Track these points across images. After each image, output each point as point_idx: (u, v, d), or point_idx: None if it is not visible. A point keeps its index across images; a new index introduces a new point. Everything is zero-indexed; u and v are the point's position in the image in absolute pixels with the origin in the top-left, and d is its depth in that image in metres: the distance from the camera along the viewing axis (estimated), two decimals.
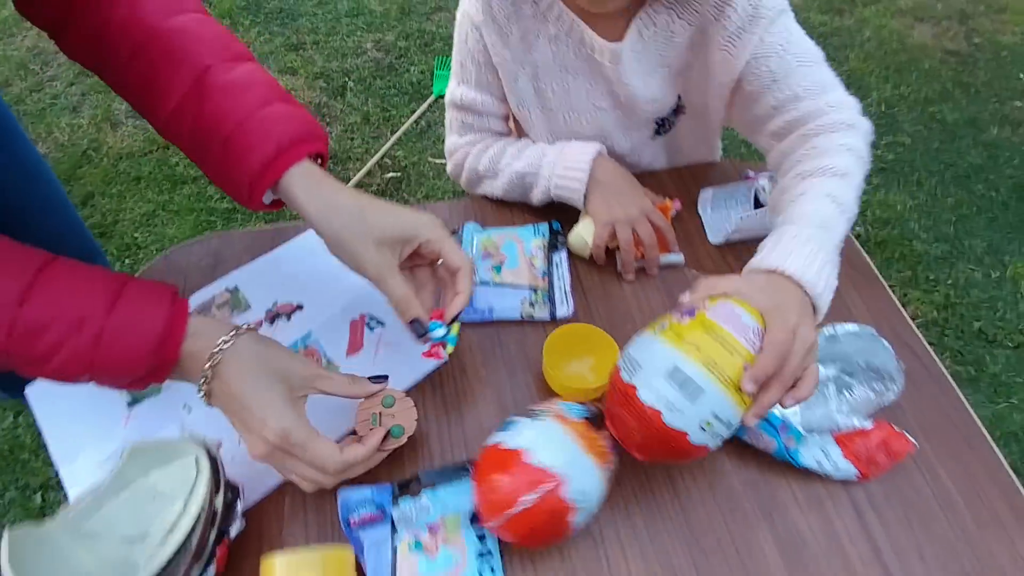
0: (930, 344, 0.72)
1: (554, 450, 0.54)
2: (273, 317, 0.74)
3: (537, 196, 0.82)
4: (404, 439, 0.61)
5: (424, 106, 2.22)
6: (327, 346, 0.72)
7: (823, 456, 0.61)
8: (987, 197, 2.05)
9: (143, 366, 0.53)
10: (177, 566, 0.51)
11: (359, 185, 2.01)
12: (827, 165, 0.66)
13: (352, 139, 2.15)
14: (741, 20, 0.71)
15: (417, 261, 0.63)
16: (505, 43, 0.78)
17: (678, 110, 0.85)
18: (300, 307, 0.74)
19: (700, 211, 0.84)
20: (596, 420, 0.57)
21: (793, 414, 0.61)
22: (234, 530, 0.56)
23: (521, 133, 0.90)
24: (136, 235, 1.91)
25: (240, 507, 0.58)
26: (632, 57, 0.76)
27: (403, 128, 2.15)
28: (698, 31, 0.75)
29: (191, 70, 0.58)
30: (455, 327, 0.64)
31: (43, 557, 0.51)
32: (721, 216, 0.82)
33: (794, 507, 0.61)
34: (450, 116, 0.89)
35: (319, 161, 0.62)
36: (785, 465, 0.63)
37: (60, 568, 0.52)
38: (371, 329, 0.73)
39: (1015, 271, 1.88)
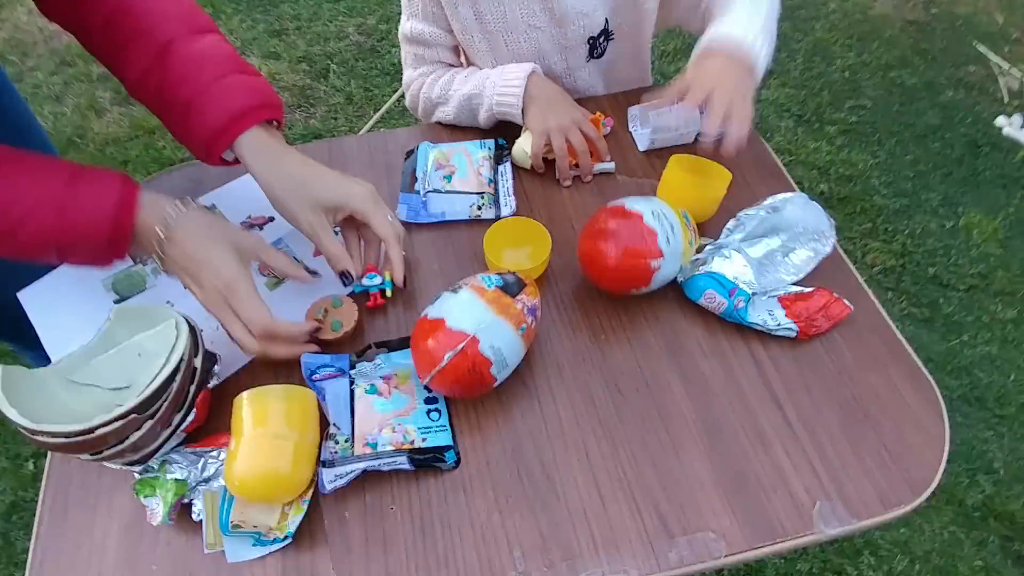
0: (888, 289, 0.82)
1: (467, 315, 0.62)
2: (248, 227, 0.82)
3: (483, 116, 0.90)
4: (340, 333, 0.70)
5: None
6: (296, 248, 0.80)
7: (768, 315, 0.70)
8: (943, 155, 2.15)
9: (103, 236, 0.60)
10: (159, 407, 0.60)
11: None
12: None
13: (336, 119, 2.24)
14: None
15: (354, 222, 0.72)
16: None
17: (608, 34, 0.94)
18: (271, 219, 0.83)
19: (630, 127, 0.93)
20: (512, 287, 0.65)
21: (747, 282, 0.70)
22: (212, 383, 0.65)
23: (471, 64, 0.99)
24: None
25: (218, 370, 0.66)
26: None
27: (385, 107, 2.24)
28: None
29: (156, 42, 0.66)
30: (386, 274, 0.74)
31: (35, 395, 0.58)
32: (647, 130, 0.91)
33: (699, 354, 0.70)
34: (404, 51, 0.98)
35: (277, 125, 0.70)
36: (692, 319, 0.72)
37: (50, 404, 0.59)
38: (336, 233, 0.81)
39: (967, 221, 1.97)
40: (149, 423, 0.58)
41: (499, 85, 0.87)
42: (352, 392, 0.66)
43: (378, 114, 2.21)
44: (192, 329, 0.64)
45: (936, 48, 2.48)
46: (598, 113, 0.89)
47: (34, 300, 0.76)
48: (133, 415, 0.57)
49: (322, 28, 2.54)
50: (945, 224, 1.98)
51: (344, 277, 0.70)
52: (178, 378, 0.61)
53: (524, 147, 0.86)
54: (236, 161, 0.69)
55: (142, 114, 2.21)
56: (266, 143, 0.66)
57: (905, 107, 2.28)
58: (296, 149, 0.70)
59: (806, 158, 2.12)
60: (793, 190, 0.83)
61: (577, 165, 0.85)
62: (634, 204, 0.69)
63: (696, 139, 0.89)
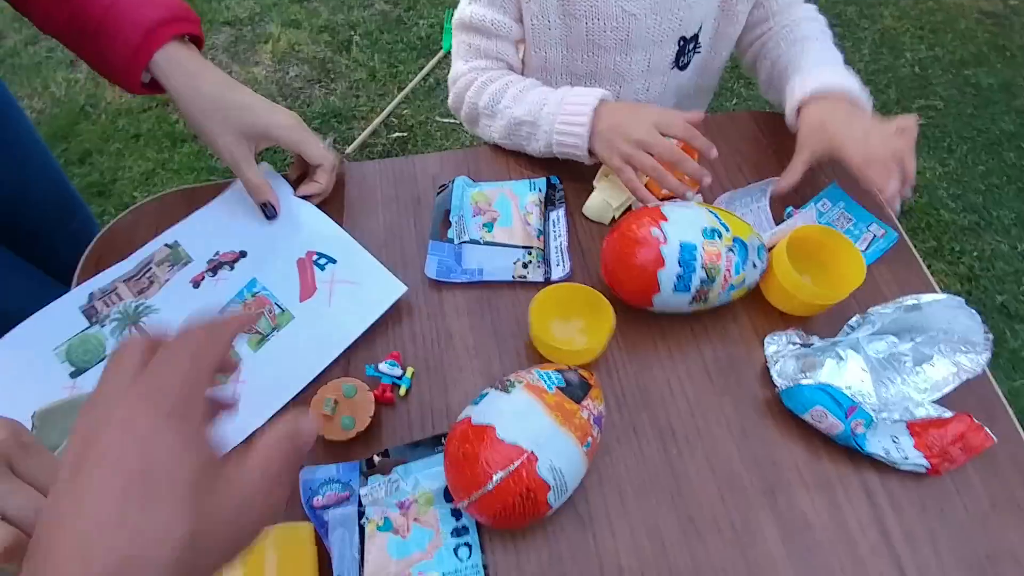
0: None
1: (524, 425, 0.50)
2: (216, 267, 0.68)
3: (535, 148, 0.76)
4: (352, 434, 0.57)
5: (433, 62, 2.13)
6: (277, 292, 0.67)
7: (892, 445, 0.56)
8: (1018, 166, 1.95)
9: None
10: None
11: (364, 145, 1.95)
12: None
13: (357, 96, 2.08)
14: None
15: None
16: None
17: (696, 41, 0.80)
18: (243, 254, 0.69)
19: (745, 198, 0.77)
20: (577, 391, 0.53)
21: (866, 394, 0.56)
22: None
23: (526, 63, 0.84)
24: (135, 194, 1.87)
25: None
26: None
27: (411, 85, 2.07)
28: None
29: None
30: (409, 370, 0.62)
31: None
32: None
33: (799, 485, 0.56)
34: (457, 41, 0.83)
35: (197, 44, 0.65)
36: (790, 441, 0.58)
37: None
38: (321, 268, 0.68)
39: None
40: None
41: (560, 118, 0.72)
42: (362, 528, 0.53)
43: (402, 94, 2.04)
44: None
45: (1015, 45, 2.25)
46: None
47: None
48: None
49: None
50: (1017, 246, 1.79)
51: (265, 208, 0.68)
52: None
53: (607, 199, 0.72)
54: (158, 87, 0.64)
55: None
56: (184, 60, 0.63)
57: (979, 110, 2.07)
58: (220, 70, 0.64)
59: None
60: (933, 290, 0.68)
61: (670, 196, 0.70)
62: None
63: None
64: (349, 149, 1.94)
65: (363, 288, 0.66)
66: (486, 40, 0.80)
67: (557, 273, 0.69)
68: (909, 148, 0.67)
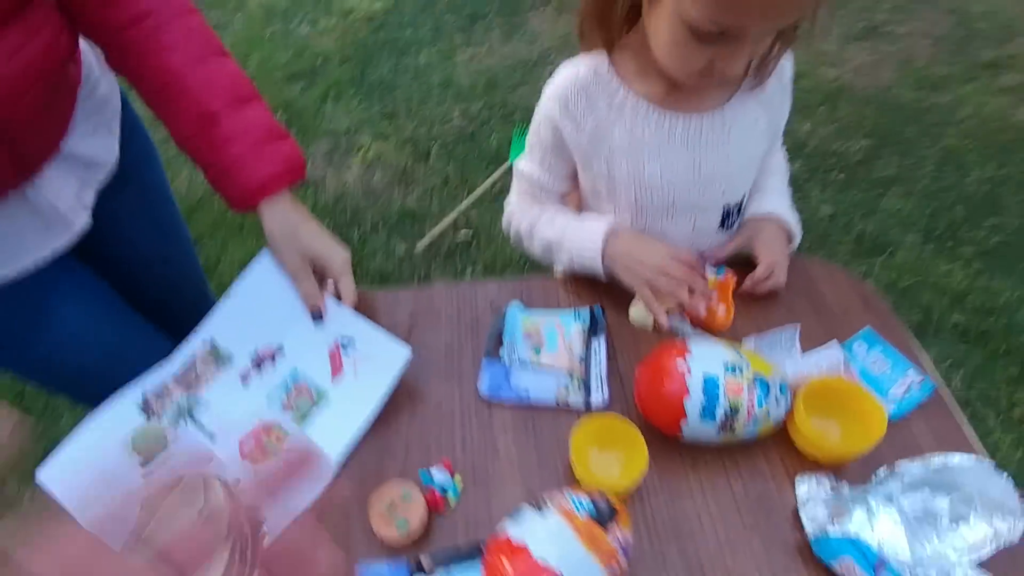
0: None
1: (555, 546, 0.54)
2: (259, 363, 0.78)
3: (564, 265, 0.88)
4: (405, 536, 0.63)
5: (499, 171, 2.30)
6: (313, 377, 0.77)
7: None
8: None
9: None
10: None
11: (432, 242, 2.10)
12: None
13: (431, 200, 2.26)
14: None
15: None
16: (581, 134, 0.82)
17: (741, 207, 0.89)
18: (280, 348, 0.79)
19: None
20: (605, 517, 0.57)
21: (898, 549, 0.57)
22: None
23: (582, 204, 0.95)
24: (234, 277, 2.07)
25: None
26: (722, 125, 0.80)
27: (478, 191, 2.24)
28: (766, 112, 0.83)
29: (201, 112, 0.74)
30: (458, 477, 0.70)
31: None
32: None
33: None
34: (515, 180, 0.96)
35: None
36: None
37: None
38: (347, 352, 0.78)
39: None
40: None
41: (576, 244, 0.85)
42: None
43: (470, 198, 2.20)
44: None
45: None
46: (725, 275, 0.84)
47: (54, 478, 0.71)
48: None
49: (430, 112, 2.61)
50: None
51: (315, 312, 0.79)
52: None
53: (640, 311, 0.82)
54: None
55: None
56: (280, 204, 0.77)
57: None
58: (316, 221, 0.79)
59: (936, 282, 1.90)
60: (970, 449, 0.69)
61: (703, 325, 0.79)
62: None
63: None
64: (419, 246, 2.10)
65: (378, 360, 0.77)
66: (536, 190, 0.92)
67: (596, 398, 0.74)
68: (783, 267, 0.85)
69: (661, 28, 0.68)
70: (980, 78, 2.59)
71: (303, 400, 0.75)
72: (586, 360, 0.77)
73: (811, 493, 0.64)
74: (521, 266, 2.03)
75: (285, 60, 2.91)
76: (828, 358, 0.74)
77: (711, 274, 0.83)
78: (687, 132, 0.80)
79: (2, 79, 0.63)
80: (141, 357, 0.90)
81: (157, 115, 0.78)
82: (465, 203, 2.20)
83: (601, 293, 0.86)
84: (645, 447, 0.66)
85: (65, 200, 0.78)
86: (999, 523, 0.58)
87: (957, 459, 0.60)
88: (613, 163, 0.83)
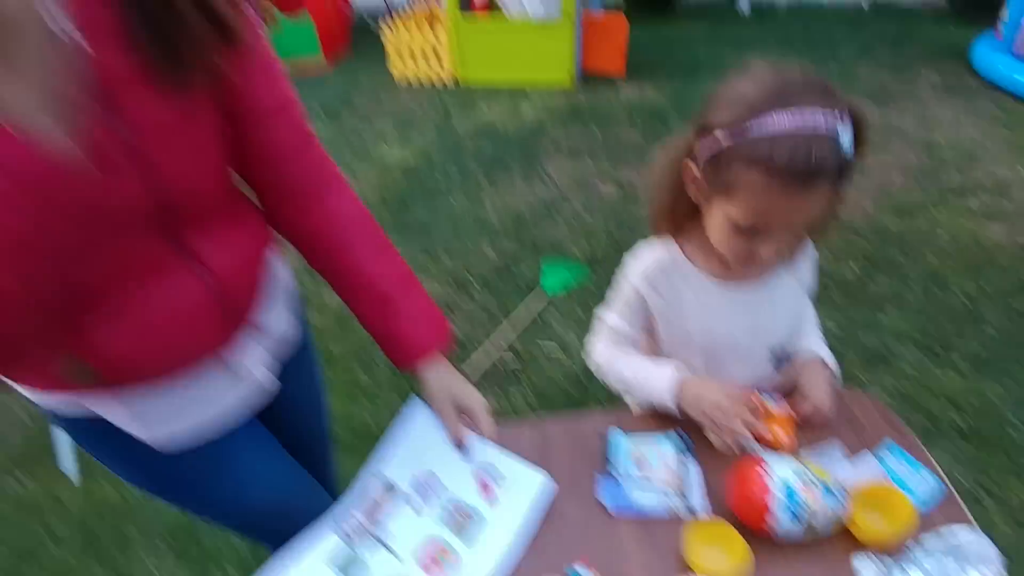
0: None
1: None
2: (423, 492, 0.96)
3: (639, 401, 1.10)
4: None
5: (536, 301, 2.58)
6: (468, 500, 0.95)
7: None
8: None
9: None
10: None
11: (484, 372, 2.31)
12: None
13: (474, 329, 2.51)
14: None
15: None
16: (662, 301, 1.07)
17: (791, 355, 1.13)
18: (438, 478, 0.97)
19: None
20: None
21: None
22: None
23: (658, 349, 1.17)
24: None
25: None
26: (768, 295, 1.05)
27: (519, 321, 2.50)
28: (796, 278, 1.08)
29: (379, 297, 0.93)
30: (595, 574, 0.86)
31: None
32: None
33: None
34: (599, 327, 1.18)
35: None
36: None
37: None
38: (492, 478, 0.97)
39: None
40: None
41: (650, 387, 1.06)
42: None
43: (511, 327, 2.45)
44: None
45: None
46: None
47: None
48: None
49: (465, 248, 2.92)
50: None
51: (459, 445, 0.98)
52: None
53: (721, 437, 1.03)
54: None
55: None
56: (435, 364, 0.98)
57: None
58: (459, 374, 1.00)
59: (935, 388, 2.12)
60: (969, 521, 0.89)
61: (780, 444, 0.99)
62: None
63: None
64: (471, 375, 2.31)
65: (519, 483, 0.96)
66: (618, 336, 1.15)
67: (697, 506, 0.94)
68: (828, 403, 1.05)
69: (714, 224, 0.94)
70: (950, 202, 2.98)
71: (463, 520, 0.93)
72: (683, 475, 0.98)
73: (865, 565, 0.84)
74: (566, 389, 2.23)
75: None
76: (867, 466, 0.97)
77: (771, 404, 1.04)
78: (743, 300, 1.05)
79: (230, 267, 0.82)
80: (305, 495, 1.10)
81: (336, 290, 0.96)
82: (508, 332, 2.44)
83: (678, 420, 1.07)
84: (744, 543, 0.85)
85: (260, 367, 0.94)
86: (984, 570, 0.79)
87: (962, 533, 0.83)
88: (688, 324, 1.07)
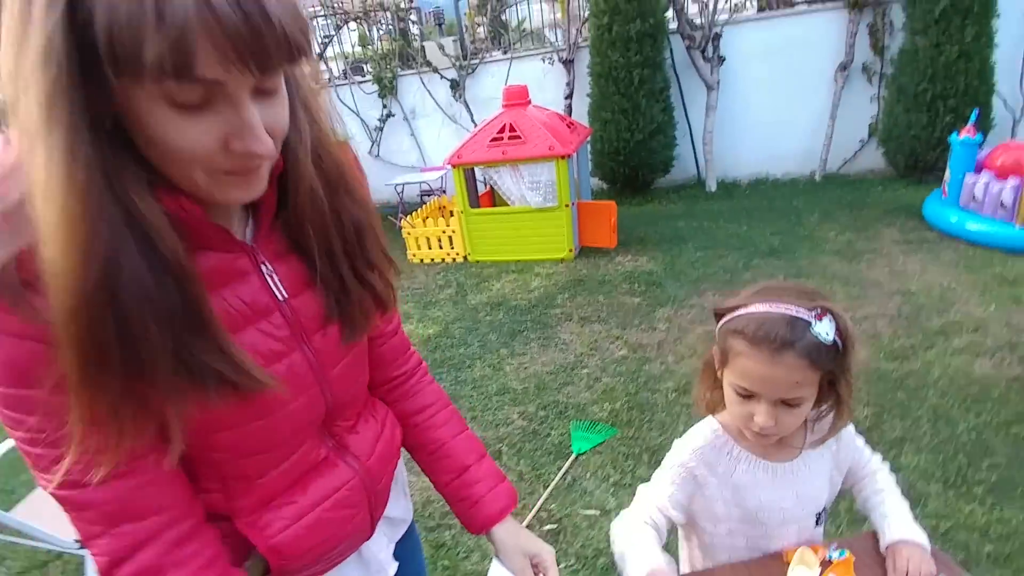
0: None
1: None
2: None
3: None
4: None
5: (567, 464, 2.68)
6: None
7: None
8: None
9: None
10: None
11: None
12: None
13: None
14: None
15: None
16: (714, 475, 1.20)
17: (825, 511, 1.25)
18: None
19: None
20: None
21: None
22: None
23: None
24: None
25: None
26: (806, 468, 1.20)
27: (552, 484, 2.58)
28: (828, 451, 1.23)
29: (458, 468, 1.06)
30: None
31: None
32: None
33: None
34: (635, 500, 1.25)
35: None
36: None
37: None
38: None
39: None
40: None
41: (625, 570, 1.12)
42: None
43: (546, 492, 2.53)
44: None
45: None
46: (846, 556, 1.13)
47: None
48: None
49: (492, 416, 3.07)
50: None
51: None
52: None
53: None
54: None
55: None
56: (507, 526, 1.06)
57: None
58: (527, 529, 1.08)
59: (965, 521, 2.19)
60: None
61: None
62: None
63: None
64: None
65: None
66: (651, 510, 1.21)
67: None
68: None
69: (727, 393, 1.13)
70: (937, 344, 3.21)
71: None
72: None
73: None
74: (608, 551, 2.27)
75: None
76: None
77: (834, 556, 1.13)
78: (784, 473, 1.19)
79: (374, 455, 0.97)
80: None
81: (417, 462, 1.12)
82: (543, 497, 2.52)
83: None
84: None
85: (389, 556, 1.03)
86: None
87: None
88: (737, 496, 1.20)
